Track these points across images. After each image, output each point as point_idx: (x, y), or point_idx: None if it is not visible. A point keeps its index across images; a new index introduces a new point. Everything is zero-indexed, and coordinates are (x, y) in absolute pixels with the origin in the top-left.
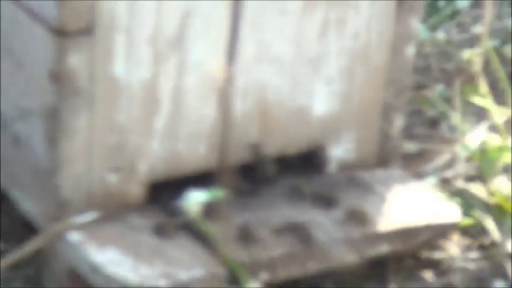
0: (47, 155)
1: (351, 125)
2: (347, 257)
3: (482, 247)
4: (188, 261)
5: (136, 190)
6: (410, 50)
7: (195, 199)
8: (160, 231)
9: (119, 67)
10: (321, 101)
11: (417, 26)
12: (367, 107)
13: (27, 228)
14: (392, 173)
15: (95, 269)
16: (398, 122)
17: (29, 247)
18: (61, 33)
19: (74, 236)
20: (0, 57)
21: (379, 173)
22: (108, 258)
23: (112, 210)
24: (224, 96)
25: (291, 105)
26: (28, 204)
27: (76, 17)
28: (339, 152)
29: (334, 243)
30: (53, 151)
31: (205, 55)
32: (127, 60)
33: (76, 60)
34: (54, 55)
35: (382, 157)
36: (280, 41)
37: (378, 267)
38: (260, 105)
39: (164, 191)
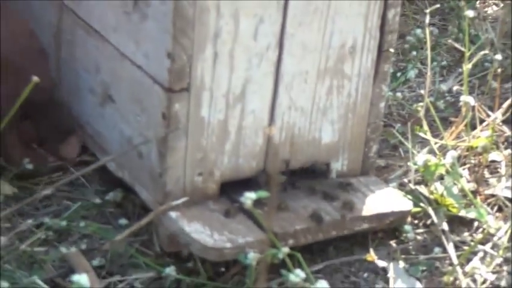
0: (159, 165)
1: (345, 150)
2: (340, 231)
3: (426, 225)
4: (244, 232)
5: (212, 187)
6: (382, 104)
7: (249, 196)
8: (227, 213)
9: (205, 111)
10: (327, 135)
11: (386, 89)
12: (356, 139)
13: (144, 210)
14: (370, 180)
15: (186, 235)
16: (374, 148)
17: (145, 220)
18: (170, 90)
19: (173, 214)
20: (133, 104)
21: (363, 179)
22: (194, 228)
23: (197, 200)
24: (268, 131)
25: (309, 137)
26: (145, 194)
27: (179, 81)
28: (338, 166)
29: (334, 222)
30: (162, 162)
31: (258, 106)
32: (210, 107)
33: (178, 107)
34: (166, 103)
35: (364, 169)
36: (303, 98)
37: (361, 238)
38: (289, 137)
39: (230, 188)
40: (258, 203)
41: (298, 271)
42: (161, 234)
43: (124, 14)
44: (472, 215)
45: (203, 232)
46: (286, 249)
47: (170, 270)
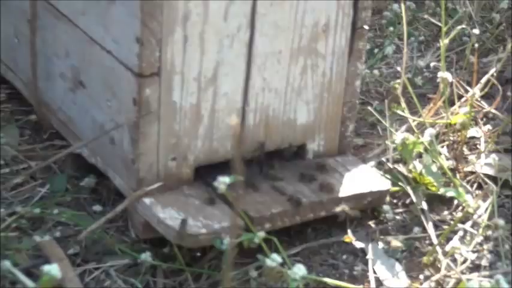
0: (131, 150)
1: (321, 130)
2: (318, 214)
3: (405, 205)
4: (220, 217)
5: (186, 172)
6: (357, 83)
7: (223, 181)
8: (207, 200)
9: (176, 96)
10: (302, 115)
11: (361, 67)
12: (332, 118)
13: (119, 195)
14: (348, 159)
15: (160, 221)
16: (351, 127)
17: (120, 207)
18: (140, 76)
19: (147, 201)
20: (104, 89)
21: (340, 159)
22: (168, 215)
23: (171, 185)
24: (242, 113)
25: (284, 118)
26: (119, 181)
27: (149, 66)
28: (314, 146)
29: (312, 204)
30: (134, 148)
31: (230, 88)
32: (181, 91)
33: (149, 92)
34: (136, 89)
35: (341, 149)
36: (276, 78)
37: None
38: (264, 118)
39: (204, 172)
40: (234, 185)
41: (274, 255)
42: (136, 221)
43: None
44: (451, 194)
45: (178, 218)
46: (262, 234)
47: (146, 257)
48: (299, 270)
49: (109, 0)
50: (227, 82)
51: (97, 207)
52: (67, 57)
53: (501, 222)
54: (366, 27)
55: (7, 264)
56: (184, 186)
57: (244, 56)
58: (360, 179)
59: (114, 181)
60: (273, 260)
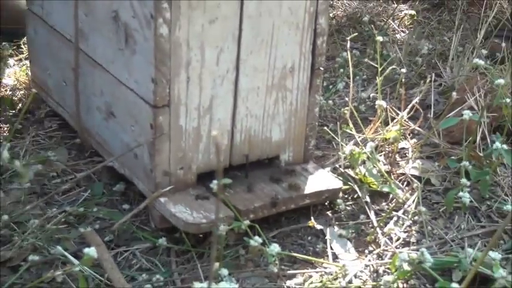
0: (149, 163)
1: (290, 145)
2: (289, 207)
3: (353, 199)
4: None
5: (191, 178)
6: (316, 110)
7: (215, 183)
8: (201, 197)
9: (182, 121)
10: (276, 134)
11: (319, 98)
12: (298, 136)
13: (142, 197)
14: (310, 166)
15: (172, 214)
16: (312, 142)
17: (142, 205)
18: (155, 107)
19: (162, 200)
20: (129, 118)
21: (304, 166)
22: (178, 209)
23: (180, 188)
24: (231, 134)
25: (262, 136)
26: (141, 185)
27: (161, 100)
28: (285, 157)
29: (285, 200)
30: (152, 161)
31: (222, 115)
32: (186, 118)
33: (162, 119)
34: (152, 117)
35: (305, 159)
36: (256, 107)
37: (305, 210)
38: (247, 137)
39: (205, 177)
40: (228, 187)
41: (256, 238)
42: (154, 215)
43: (119, 50)
44: (386, 189)
45: (185, 212)
46: (247, 222)
47: (162, 241)
48: (274, 248)
49: (131, 51)
50: (220, 111)
51: (126, 206)
52: (102, 95)
53: (424, 209)
54: (322, 68)
55: (59, 248)
56: (190, 188)
57: (232, 91)
58: (320, 180)
59: (138, 186)
60: (256, 241)
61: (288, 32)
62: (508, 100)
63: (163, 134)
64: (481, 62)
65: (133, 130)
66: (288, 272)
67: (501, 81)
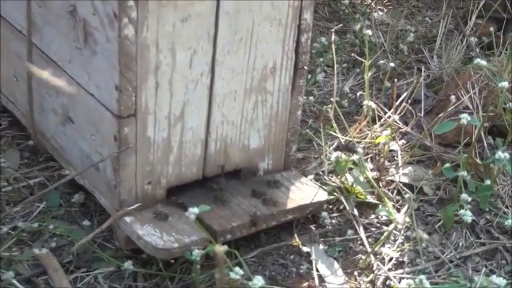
0: (113, 178)
1: (270, 152)
2: (269, 224)
3: (339, 210)
4: (189, 232)
5: (160, 193)
6: (299, 112)
7: (192, 211)
8: (163, 217)
9: (150, 132)
10: (255, 141)
11: (302, 100)
12: (278, 142)
13: (104, 210)
14: (292, 174)
15: (139, 237)
16: (294, 148)
17: (105, 225)
18: (119, 117)
19: (127, 219)
20: (89, 125)
21: (285, 174)
22: (146, 231)
23: (148, 204)
24: (205, 143)
25: (239, 144)
26: (104, 201)
27: (126, 109)
28: (264, 165)
29: (265, 217)
30: (116, 176)
31: (195, 123)
32: (154, 128)
33: (127, 130)
34: (116, 128)
35: (286, 165)
36: (233, 113)
37: (287, 225)
38: (223, 146)
39: (175, 191)
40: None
41: (237, 269)
42: (119, 235)
43: (76, 49)
44: (383, 213)
45: (154, 234)
46: (225, 247)
47: (128, 265)
48: (258, 281)
49: (91, 51)
50: (192, 118)
51: (86, 222)
52: (57, 96)
53: (425, 236)
54: (306, 67)
55: (10, 275)
56: (159, 204)
57: (207, 96)
58: (303, 192)
59: (100, 201)
60: (236, 273)
61: (270, 29)
62: (511, 105)
63: (129, 147)
64: (483, 63)
65: (94, 139)
66: None
67: (505, 84)
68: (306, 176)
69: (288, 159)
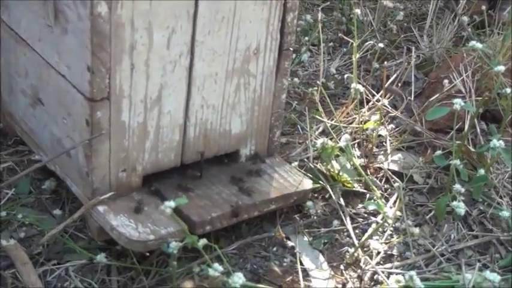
0: (85, 164)
1: (252, 137)
2: (251, 214)
3: (324, 199)
4: (166, 223)
5: (135, 180)
6: (283, 96)
7: (168, 205)
8: (140, 209)
9: (125, 116)
10: (236, 126)
11: (287, 83)
12: (261, 127)
13: (76, 197)
14: (275, 160)
15: (113, 228)
16: (278, 133)
17: (77, 214)
18: (92, 100)
19: (101, 209)
20: (60, 108)
21: (268, 161)
22: (120, 222)
23: (122, 192)
24: (184, 128)
25: (220, 129)
26: (75, 188)
27: (99, 92)
28: (246, 151)
29: (246, 207)
30: (88, 163)
31: (173, 107)
32: (129, 112)
33: (100, 114)
34: (89, 111)
35: (270, 152)
36: (213, 96)
37: (270, 214)
38: (203, 132)
39: (151, 179)
40: (181, 187)
41: (216, 265)
42: (91, 225)
43: (47, 27)
44: (373, 207)
45: (129, 225)
46: (204, 241)
47: (101, 257)
48: (239, 279)
49: (62, 30)
50: (170, 102)
51: (57, 211)
52: (27, 76)
53: (416, 230)
54: (291, 49)
55: None
56: (134, 192)
57: (186, 78)
58: (287, 180)
59: (72, 188)
60: (215, 269)
61: (254, 7)
62: (508, 90)
63: (102, 133)
64: (479, 46)
65: (66, 123)
66: None
67: (501, 68)
68: (290, 163)
69: (271, 145)
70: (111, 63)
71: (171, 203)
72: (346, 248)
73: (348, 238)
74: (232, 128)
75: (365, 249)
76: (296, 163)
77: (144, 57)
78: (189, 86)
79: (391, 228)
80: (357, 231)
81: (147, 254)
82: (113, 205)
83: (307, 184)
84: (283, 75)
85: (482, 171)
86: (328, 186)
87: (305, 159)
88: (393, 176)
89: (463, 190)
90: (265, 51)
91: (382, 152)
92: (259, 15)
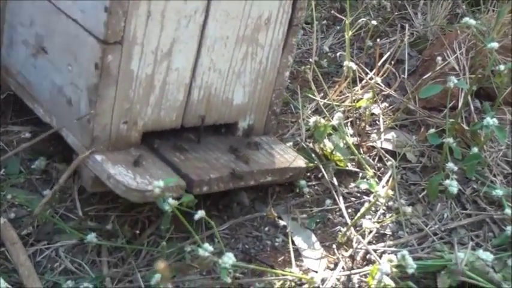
0: (88, 111)
1: (252, 111)
2: (248, 182)
3: (317, 178)
4: (164, 177)
5: (135, 135)
6: (287, 73)
7: (157, 185)
8: (138, 162)
9: (134, 65)
10: (239, 96)
11: (291, 60)
12: (262, 102)
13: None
14: (271, 139)
15: (110, 176)
16: (277, 111)
17: (73, 165)
18: (105, 43)
19: (98, 157)
20: (66, 55)
21: (264, 138)
22: (118, 171)
23: (120, 146)
24: (188, 89)
25: (223, 97)
26: (72, 139)
27: (114, 34)
28: (244, 125)
29: (245, 173)
30: (91, 108)
31: (182, 64)
32: (139, 61)
33: (111, 58)
34: (100, 54)
35: (266, 130)
36: (222, 61)
37: (262, 193)
38: (206, 95)
39: (150, 137)
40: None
41: (206, 245)
42: (86, 175)
43: None
44: (365, 185)
45: (126, 175)
46: (202, 212)
47: (91, 237)
48: (229, 259)
49: None
50: (180, 58)
51: (47, 191)
52: (32, 25)
53: (408, 210)
54: (300, 25)
55: None
56: (132, 148)
57: (198, 36)
58: (282, 157)
59: (68, 139)
60: (205, 249)
61: None
62: (502, 67)
63: (110, 76)
64: (472, 22)
65: (71, 70)
66: (244, 280)
67: (494, 44)
68: (284, 144)
69: (269, 124)
70: (129, 6)
71: (160, 183)
72: (338, 227)
73: (340, 217)
74: (234, 98)
75: (357, 228)
76: (290, 143)
77: (161, 7)
78: (200, 45)
79: (384, 208)
80: (349, 210)
81: (137, 232)
82: (111, 156)
83: (303, 163)
84: (290, 51)
85: (475, 150)
86: (320, 165)
87: (298, 140)
88: (386, 155)
89: (456, 168)
90: (275, 22)
91: (375, 131)
92: None
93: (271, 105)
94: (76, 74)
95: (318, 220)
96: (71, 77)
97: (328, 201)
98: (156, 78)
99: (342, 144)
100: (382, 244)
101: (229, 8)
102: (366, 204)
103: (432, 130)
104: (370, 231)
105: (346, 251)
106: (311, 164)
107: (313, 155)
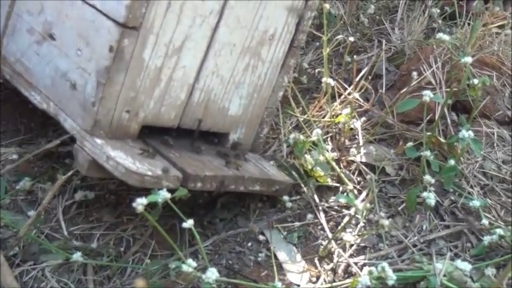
0: (94, 94)
1: (244, 125)
2: (238, 187)
3: (298, 193)
4: (161, 167)
5: (134, 127)
6: (280, 93)
7: (140, 202)
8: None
9: (146, 54)
10: (234, 107)
11: (287, 80)
12: (254, 118)
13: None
14: (257, 157)
15: (110, 158)
16: (265, 130)
17: (57, 184)
18: (124, 26)
19: (98, 140)
20: (77, 40)
21: (251, 155)
22: (118, 154)
23: (118, 136)
24: (191, 89)
25: (220, 104)
26: (70, 123)
27: (134, 19)
28: (235, 137)
29: (236, 178)
30: (98, 91)
31: (189, 63)
32: (152, 51)
33: (127, 42)
34: (117, 37)
35: (253, 148)
36: (225, 67)
37: (244, 209)
38: (206, 99)
39: (147, 131)
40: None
41: (190, 261)
42: (81, 159)
43: None
44: (343, 200)
45: (126, 159)
46: (191, 222)
47: (77, 256)
48: (212, 274)
49: None
50: (188, 57)
51: (32, 212)
52: (41, 13)
53: (386, 222)
54: (299, 48)
55: None
56: (129, 139)
57: (208, 38)
58: (270, 172)
59: (65, 124)
60: (189, 265)
61: None
62: (476, 81)
63: (123, 60)
64: (446, 37)
65: (80, 54)
66: None
67: (468, 59)
68: (268, 162)
69: (257, 140)
70: None
71: (143, 200)
72: (320, 241)
73: (321, 231)
74: (230, 108)
75: (338, 242)
76: (272, 162)
77: (181, 1)
78: (208, 47)
79: (364, 221)
80: (330, 224)
81: (122, 250)
82: (110, 141)
83: (289, 179)
84: (286, 71)
85: (452, 162)
86: (301, 182)
87: (278, 156)
88: (365, 169)
89: (433, 181)
90: (279, 40)
91: (355, 145)
92: (284, 2)
93: (262, 123)
94: (86, 58)
95: (299, 234)
96: (79, 61)
97: (309, 216)
98: (164, 73)
99: (322, 159)
100: (363, 257)
101: (241, 14)
102: (347, 218)
103: (410, 143)
104: (351, 245)
105: (328, 264)
106: (296, 182)
107: (293, 172)
